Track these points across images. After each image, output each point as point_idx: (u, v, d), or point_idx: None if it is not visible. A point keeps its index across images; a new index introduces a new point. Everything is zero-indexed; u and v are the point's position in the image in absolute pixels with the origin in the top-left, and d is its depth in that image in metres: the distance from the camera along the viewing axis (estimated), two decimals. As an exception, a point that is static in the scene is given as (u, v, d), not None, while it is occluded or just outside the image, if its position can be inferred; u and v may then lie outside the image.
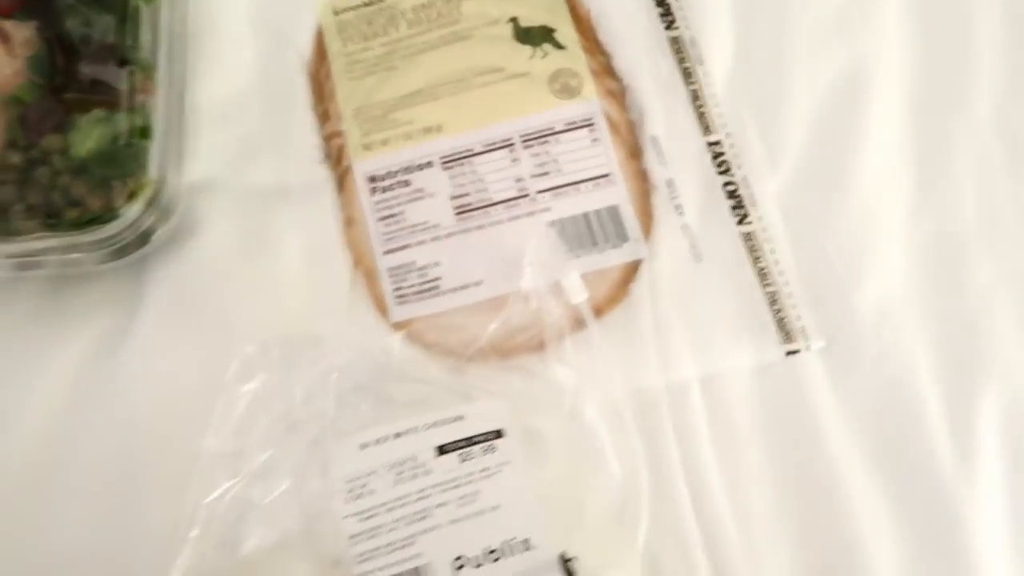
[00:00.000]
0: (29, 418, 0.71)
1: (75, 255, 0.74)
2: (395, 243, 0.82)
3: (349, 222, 0.82)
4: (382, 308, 0.80)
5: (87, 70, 0.77)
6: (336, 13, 0.89)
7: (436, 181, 0.83)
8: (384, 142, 0.84)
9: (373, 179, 0.83)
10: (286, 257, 0.81)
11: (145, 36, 0.80)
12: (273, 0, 0.87)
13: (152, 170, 0.77)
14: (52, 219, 0.74)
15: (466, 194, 0.83)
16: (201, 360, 0.77)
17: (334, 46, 0.88)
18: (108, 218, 0.75)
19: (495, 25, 0.86)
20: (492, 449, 0.72)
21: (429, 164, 0.83)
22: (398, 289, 0.81)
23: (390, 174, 0.83)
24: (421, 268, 0.81)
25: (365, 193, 0.83)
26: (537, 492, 0.71)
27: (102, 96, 0.77)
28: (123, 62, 0.78)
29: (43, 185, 0.75)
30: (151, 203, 0.76)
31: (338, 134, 0.85)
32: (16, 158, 0.75)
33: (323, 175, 0.85)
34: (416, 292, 0.80)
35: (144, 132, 0.76)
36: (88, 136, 0.76)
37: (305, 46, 0.89)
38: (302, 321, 0.78)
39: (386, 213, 0.83)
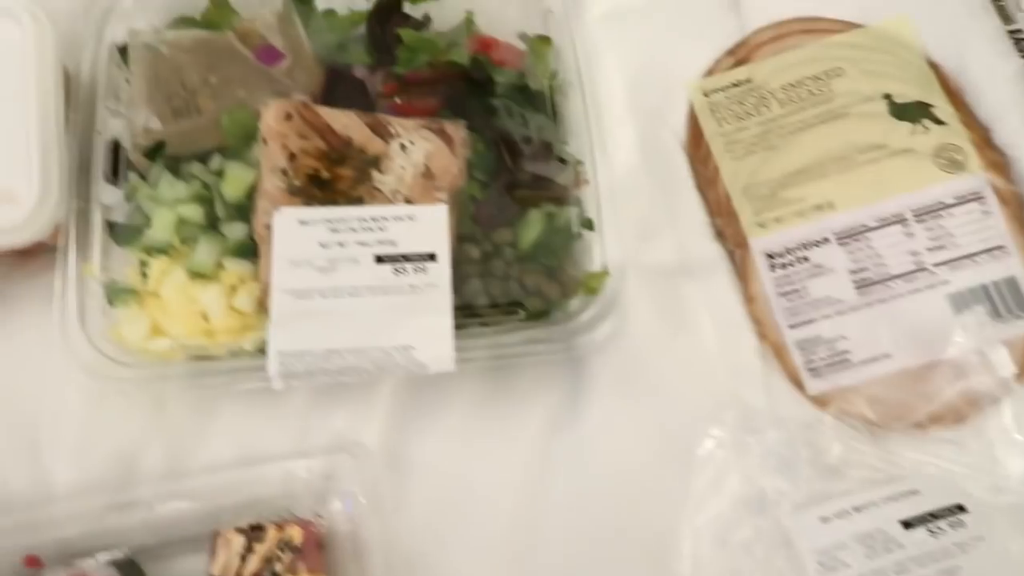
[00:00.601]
0: (502, 493, 0.76)
1: (539, 345, 0.78)
2: (800, 317, 0.86)
3: (751, 298, 0.87)
4: (797, 381, 0.85)
5: (529, 167, 0.82)
6: (706, 95, 0.93)
7: (834, 257, 0.87)
8: (778, 220, 0.88)
9: (771, 256, 0.87)
10: (701, 333, 0.86)
11: (567, 131, 0.85)
12: (646, 84, 0.93)
13: (598, 259, 0.81)
14: (514, 309, 0.78)
15: (864, 268, 0.87)
16: (649, 435, 0.83)
17: (710, 127, 0.92)
18: (562, 307, 0.80)
19: (869, 102, 0.91)
20: (959, 524, 0.76)
21: (825, 240, 0.88)
22: (810, 362, 0.85)
23: (788, 251, 0.88)
24: (828, 341, 0.86)
25: (765, 270, 0.87)
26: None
27: (546, 191, 0.82)
28: (560, 159, 0.83)
29: (498, 277, 0.79)
30: (600, 291, 0.79)
31: (729, 212, 0.89)
32: (475, 251, 0.77)
33: (717, 252, 0.89)
34: (827, 365, 0.85)
35: (589, 224, 0.78)
36: (533, 229, 0.81)
37: (680, 127, 0.94)
38: (728, 395, 0.83)
39: (788, 289, 0.87)
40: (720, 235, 0.89)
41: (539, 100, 0.80)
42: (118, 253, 0.79)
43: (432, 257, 0.73)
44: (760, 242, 0.88)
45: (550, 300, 0.79)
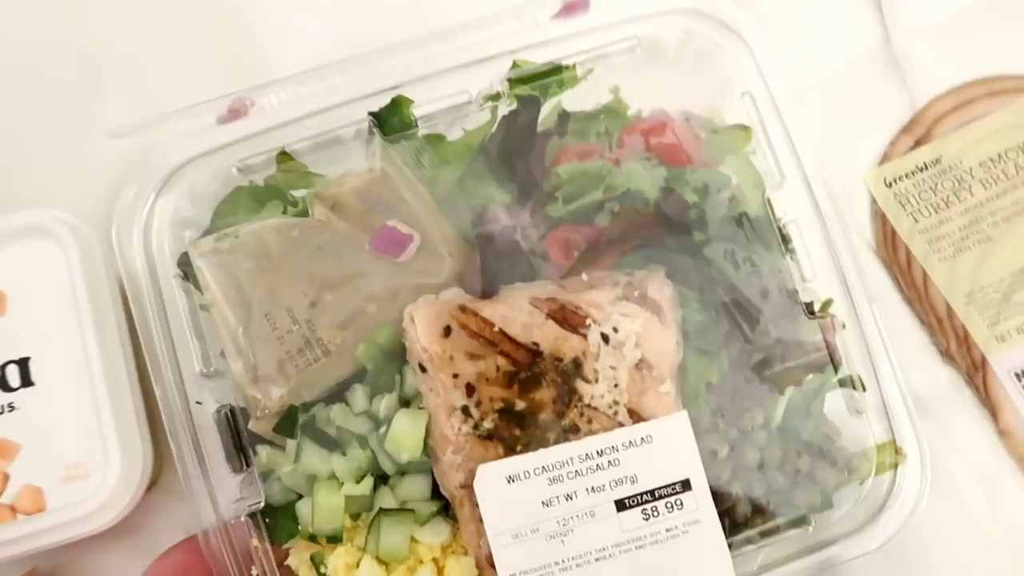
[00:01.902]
0: None
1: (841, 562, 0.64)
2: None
3: (1006, 432, 0.75)
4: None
5: (773, 330, 0.65)
6: (889, 185, 0.81)
7: (1096, 365, 0.71)
8: (1019, 329, 0.76)
9: (1021, 375, 0.76)
10: (955, 489, 0.76)
11: (805, 261, 0.67)
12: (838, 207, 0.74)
13: (886, 427, 0.67)
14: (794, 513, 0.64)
15: None
16: None
17: (903, 223, 0.80)
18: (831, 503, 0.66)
19: (1092, 167, 0.76)
20: None
21: (1082, 346, 0.71)
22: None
23: (1041, 368, 0.71)
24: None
25: (1016, 393, 0.75)
26: None
27: (803, 359, 0.67)
28: (809, 308, 0.66)
29: (754, 468, 0.65)
30: (892, 467, 0.66)
31: (955, 327, 0.77)
32: (722, 448, 0.64)
33: (949, 379, 0.78)
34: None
35: (859, 383, 0.65)
36: (783, 402, 0.65)
37: (864, 227, 0.81)
38: (1014, 557, 0.73)
39: None
40: (948, 356, 0.77)
41: (765, 230, 0.65)
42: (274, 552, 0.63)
43: (686, 485, 0.61)
44: (1003, 359, 0.76)
45: (827, 488, 0.64)
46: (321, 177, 0.68)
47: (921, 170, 0.81)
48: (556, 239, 0.66)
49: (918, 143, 0.81)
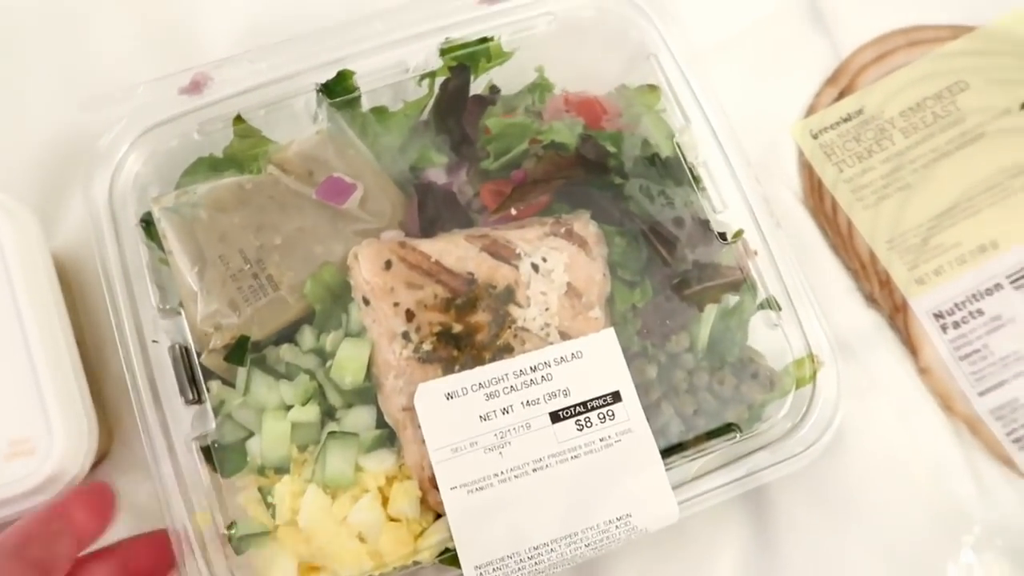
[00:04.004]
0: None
1: (771, 465, 0.72)
2: (988, 382, 0.82)
3: (924, 369, 0.82)
4: (1004, 457, 0.81)
5: (689, 254, 0.74)
6: (815, 136, 0.88)
7: (1012, 304, 0.83)
8: (937, 272, 0.84)
9: (939, 316, 0.83)
10: (878, 422, 0.82)
11: (715, 195, 0.77)
12: (740, 134, 0.83)
13: (802, 342, 0.74)
14: (721, 430, 0.72)
15: (1050, 308, 0.79)
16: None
17: (828, 173, 0.88)
18: (760, 415, 0.73)
19: (1007, 116, 0.87)
20: None
21: (998, 287, 0.84)
22: (1012, 432, 0.81)
23: (957, 306, 0.83)
24: (1030, 403, 0.77)
25: (935, 333, 0.83)
26: None
27: (720, 280, 0.75)
28: (721, 234, 0.75)
29: (685, 391, 0.72)
30: (810, 381, 0.73)
31: (877, 272, 0.84)
32: (650, 371, 0.72)
33: (873, 321, 0.85)
34: (1036, 430, 0.77)
35: (773, 303, 0.72)
36: (707, 325, 0.73)
37: (792, 178, 0.89)
38: (932, 493, 0.80)
39: (967, 351, 0.82)
40: (872, 300, 0.85)
41: (676, 169, 0.74)
42: (226, 483, 0.68)
43: (616, 396, 0.68)
44: (923, 301, 0.84)
45: (754, 403, 0.72)
46: (275, 143, 0.76)
47: (845, 121, 0.88)
48: (489, 191, 0.75)
49: (842, 94, 0.89)
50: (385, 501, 0.68)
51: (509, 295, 0.70)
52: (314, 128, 0.76)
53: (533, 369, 0.68)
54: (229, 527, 0.66)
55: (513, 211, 0.74)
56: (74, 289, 0.78)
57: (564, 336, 0.69)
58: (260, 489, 0.68)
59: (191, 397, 0.68)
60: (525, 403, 0.67)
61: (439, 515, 0.67)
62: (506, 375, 0.68)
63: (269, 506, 0.67)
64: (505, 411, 0.67)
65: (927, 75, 0.89)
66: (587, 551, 0.65)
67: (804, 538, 0.77)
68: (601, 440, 0.67)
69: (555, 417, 0.68)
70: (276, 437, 0.68)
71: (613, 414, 0.68)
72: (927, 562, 0.76)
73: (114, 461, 0.77)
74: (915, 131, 0.87)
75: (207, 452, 0.68)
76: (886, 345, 0.83)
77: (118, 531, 0.68)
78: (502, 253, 0.70)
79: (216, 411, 0.69)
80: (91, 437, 0.69)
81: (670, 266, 0.73)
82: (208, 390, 0.69)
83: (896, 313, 0.84)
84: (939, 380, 0.82)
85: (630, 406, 0.68)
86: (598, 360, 0.69)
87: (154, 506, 0.68)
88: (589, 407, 0.68)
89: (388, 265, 0.69)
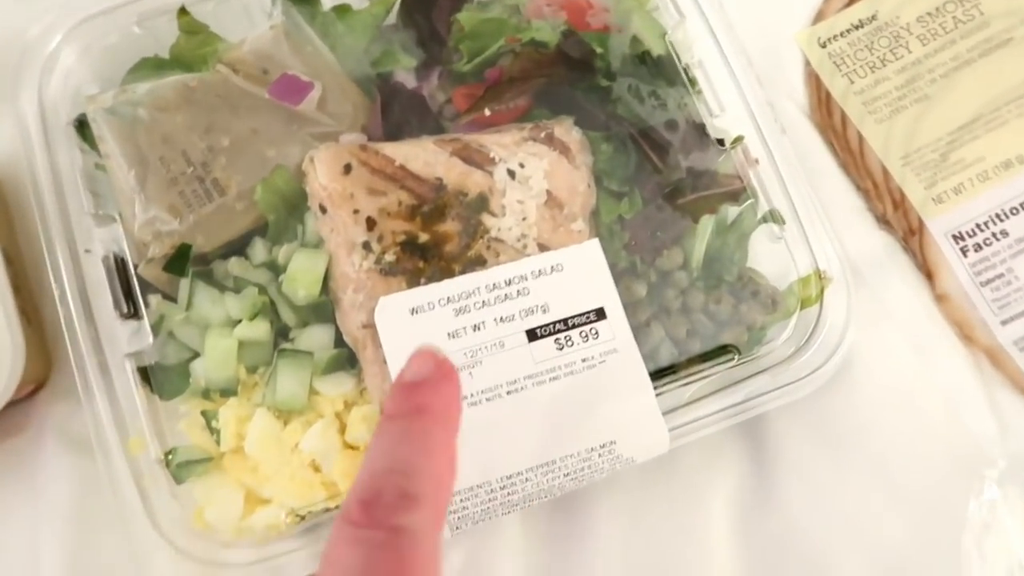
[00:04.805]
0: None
1: (771, 390, 0.66)
2: (1012, 309, 0.76)
3: (942, 297, 0.76)
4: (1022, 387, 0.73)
5: (683, 161, 0.68)
6: (823, 45, 0.82)
7: (1040, 223, 0.73)
8: (957, 190, 0.78)
9: (958, 237, 0.77)
10: (891, 353, 0.76)
11: (715, 100, 0.71)
12: (742, 41, 0.77)
13: (809, 258, 0.69)
14: (717, 352, 0.66)
15: (1081, 229, 0.73)
16: (871, 508, 0.73)
17: (838, 85, 0.81)
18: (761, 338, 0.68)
19: (1034, 20, 0.77)
20: None
21: (1024, 205, 0.73)
22: (1035, 362, 0.71)
23: (979, 227, 0.77)
24: (1057, 331, 0.71)
25: (954, 256, 0.77)
26: None
27: (717, 188, 0.69)
28: (719, 140, 0.68)
29: (677, 312, 0.66)
30: (817, 301, 0.67)
31: (890, 190, 0.78)
32: (639, 288, 0.66)
33: (885, 244, 0.79)
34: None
35: (776, 217, 0.67)
36: (703, 239, 0.67)
37: (797, 91, 0.83)
38: (949, 427, 0.74)
39: (989, 275, 0.77)
40: (884, 222, 0.79)
41: (669, 68, 0.68)
42: (166, 407, 0.63)
43: (600, 314, 0.62)
44: (940, 222, 0.78)
45: (753, 325, 0.66)
46: (225, 41, 0.69)
47: (856, 28, 0.82)
48: (462, 95, 0.69)
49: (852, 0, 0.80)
50: (342, 428, 0.62)
51: (482, 203, 0.64)
52: (267, 24, 0.68)
53: (508, 283, 0.62)
54: (168, 454, 0.61)
55: (487, 111, 0.67)
56: (10, 205, 0.73)
57: (543, 249, 0.63)
58: (204, 413, 0.62)
59: (127, 311, 0.63)
60: (499, 320, 0.61)
61: (403, 444, 0.58)
62: (478, 289, 0.62)
63: (213, 431, 0.62)
64: (476, 328, 0.61)
65: (947, -24, 0.79)
66: (566, 481, 0.60)
67: (806, 474, 0.71)
68: (583, 361, 0.61)
69: (532, 335, 0.62)
70: (221, 356, 0.62)
71: (597, 333, 0.62)
72: (944, 500, 0.70)
73: (52, 388, 0.72)
74: (934, 38, 0.81)
75: (144, 373, 0.63)
76: (899, 270, 0.77)
77: (56, 465, 0.67)
78: (475, 158, 0.64)
79: (155, 328, 0.63)
80: (16, 358, 0.64)
81: (662, 174, 0.67)
82: (147, 305, 0.63)
83: (911, 235, 0.78)
84: (957, 308, 0.76)
85: (616, 324, 0.62)
86: (581, 274, 0.63)
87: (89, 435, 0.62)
88: (570, 325, 0.62)
89: (347, 169, 0.63)
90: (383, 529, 0.40)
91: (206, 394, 0.63)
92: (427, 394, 0.44)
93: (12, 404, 0.64)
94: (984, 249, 0.77)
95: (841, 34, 0.82)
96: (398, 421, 0.43)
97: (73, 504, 0.67)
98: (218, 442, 0.61)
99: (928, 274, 0.77)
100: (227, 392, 0.62)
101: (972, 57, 0.80)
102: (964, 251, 0.76)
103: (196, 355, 0.63)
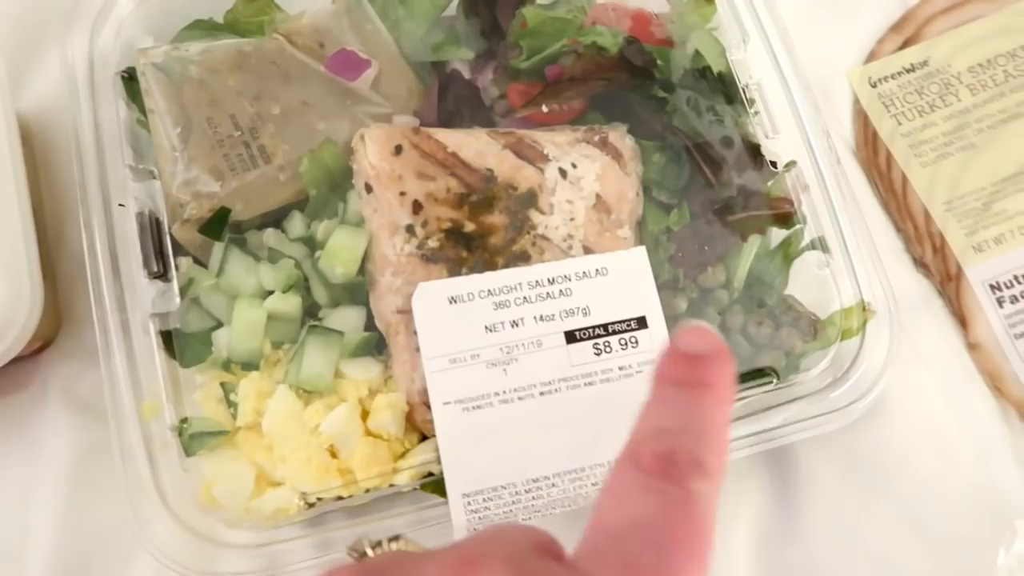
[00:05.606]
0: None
1: (803, 419, 0.63)
2: (1045, 364, 0.70)
3: (975, 345, 0.75)
4: (1060, 445, 0.69)
5: (736, 179, 0.66)
6: (874, 85, 0.81)
7: (1072, 282, 0.72)
8: (998, 240, 0.76)
9: (996, 287, 0.76)
10: (921, 398, 0.74)
11: (766, 119, 0.69)
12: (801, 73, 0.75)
13: (853, 289, 0.66)
14: (755, 375, 0.64)
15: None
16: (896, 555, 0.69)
17: (885, 125, 0.80)
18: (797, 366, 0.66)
19: (1086, 81, 0.76)
20: None
21: (1060, 262, 0.72)
22: (1075, 421, 0.69)
23: (1017, 279, 0.76)
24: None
25: (990, 306, 0.75)
26: None
27: (768, 210, 0.67)
28: (772, 162, 0.67)
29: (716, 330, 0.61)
30: (858, 332, 0.65)
31: (931, 235, 0.77)
32: (681, 303, 0.63)
33: (920, 288, 0.78)
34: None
35: (821, 244, 0.65)
36: (747, 260, 0.66)
37: (844, 127, 0.82)
38: (974, 476, 0.71)
39: (1023, 329, 0.74)
40: (922, 265, 0.77)
41: (729, 86, 0.67)
42: (184, 377, 0.60)
43: (642, 323, 0.60)
44: (979, 270, 0.76)
45: (791, 352, 0.64)
46: (283, 11, 0.68)
47: (908, 71, 0.81)
48: (517, 91, 0.67)
49: (907, 43, 0.82)
50: (365, 415, 0.60)
51: (531, 199, 0.62)
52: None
53: (551, 281, 0.60)
54: (182, 422, 0.59)
55: (544, 108, 0.65)
56: (39, 156, 0.71)
57: (588, 251, 0.61)
58: (223, 385, 0.60)
59: (156, 270, 0.61)
60: (538, 318, 0.59)
61: (425, 437, 0.59)
62: (520, 284, 0.60)
63: (231, 404, 0.59)
64: (515, 324, 0.59)
65: (1001, 31, 0.82)
66: (593, 491, 0.57)
67: (832, 509, 0.69)
68: (620, 368, 0.59)
69: (571, 337, 0.60)
70: (248, 327, 0.60)
71: (636, 341, 0.60)
72: (971, 549, 0.68)
73: (58, 347, 0.69)
74: (984, 89, 0.80)
75: (167, 337, 0.60)
76: (934, 315, 0.76)
77: (56, 425, 0.64)
78: (527, 153, 0.63)
79: (183, 292, 0.61)
80: (32, 308, 0.61)
81: (714, 189, 0.65)
82: (177, 267, 0.61)
83: (948, 281, 0.76)
84: (990, 358, 0.74)
85: (657, 335, 0.60)
86: (625, 280, 0.61)
87: (97, 400, 0.60)
88: (610, 330, 0.60)
89: (398, 150, 0.61)
90: (681, 488, 0.37)
91: (226, 365, 0.60)
92: (711, 369, 0.42)
93: (16, 360, 0.62)
94: (1020, 302, 0.75)
95: (892, 76, 0.82)
96: (685, 389, 0.41)
97: (70, 466, 0.65)
98: (234, 416, 0.59)
99: (962, 321, 0.75)
100: (249, 365, 0.60)
101: (1021, 112, 0.79)
102: (1000, 302, 0.75)
103: (219, 324, 0.61)
